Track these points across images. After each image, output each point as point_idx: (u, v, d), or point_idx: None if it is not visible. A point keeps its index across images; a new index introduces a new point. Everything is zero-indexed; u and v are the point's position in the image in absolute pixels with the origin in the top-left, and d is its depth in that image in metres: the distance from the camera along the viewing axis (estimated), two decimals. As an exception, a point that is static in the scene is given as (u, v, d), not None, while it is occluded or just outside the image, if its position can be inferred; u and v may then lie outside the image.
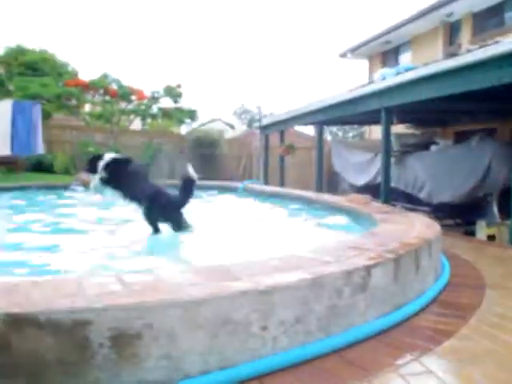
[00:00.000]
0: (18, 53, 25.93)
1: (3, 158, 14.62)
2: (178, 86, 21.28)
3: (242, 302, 2.16)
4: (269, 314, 2.24)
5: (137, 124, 23.13)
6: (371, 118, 11.07)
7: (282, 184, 14.58)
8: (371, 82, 10.36)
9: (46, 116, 17.67)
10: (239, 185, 10.63)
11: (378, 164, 11.41)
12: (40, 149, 15.66)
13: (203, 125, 28.43)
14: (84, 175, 5.70)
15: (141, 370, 1.98)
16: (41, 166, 16.08)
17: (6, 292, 2.04)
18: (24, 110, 15.36)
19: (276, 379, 2.15)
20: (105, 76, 21.76)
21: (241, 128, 34.61)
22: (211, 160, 18.95)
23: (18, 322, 1.82)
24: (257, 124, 17.21)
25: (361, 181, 13.37)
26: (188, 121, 23.77)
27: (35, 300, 1.96)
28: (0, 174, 14.37)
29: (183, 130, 28.46)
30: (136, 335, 1.94)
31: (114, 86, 20.97)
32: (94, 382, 1.92)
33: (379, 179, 10.06)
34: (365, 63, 21.50)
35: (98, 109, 21.65)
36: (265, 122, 15.76)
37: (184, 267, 2.58)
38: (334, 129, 41.62)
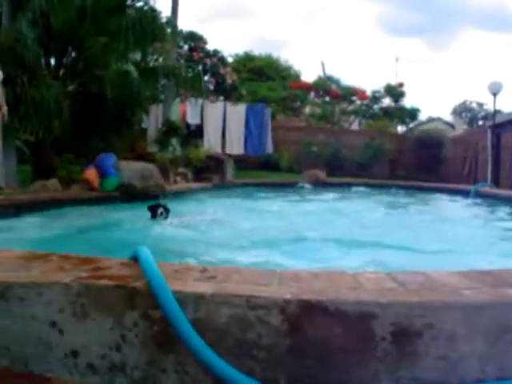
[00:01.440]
0: (246, 60, 28.15)
1: (237, 157, 15.99)
2: (400, 85, 20.89)
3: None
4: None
5: (354, 124, 23.34)
6: None
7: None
8: None
9: (272, 118, 18.85)
10: (470, 188, 10.07)
11: None
12: (269, 148, 16.82)
13: (421, 124, 27.44)
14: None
15: (417, 368, 2.00)
16: (268, 165, 17.21)
17: (292, 280, 2.23)
18: (256, 112, 16.62)
19: None
20: (326, 77, 22.41)
21: (461, 127, 32.56)
22: (435, 161, 18.20)
23: (310, 308, 1.98)
24: (481, 122, 16.09)
25: None
26: (407, 120, 23.27)
27: (319, 289, 2.11)
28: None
29: (401, 129, 27.86)
30: (416, 333, 1.97)
31: (334, 87, 21.46)
32: (374, 373, 2.00)
33: None
34: None
35: (318, 109, 22.35)
36: (498, 119, 14.62)
37: (450, 270, 2.54)
38: None
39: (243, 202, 9.02)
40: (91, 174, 7.33)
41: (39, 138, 7.38)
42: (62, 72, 9.03)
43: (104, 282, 2.06)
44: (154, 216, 5.62)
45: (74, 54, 9.58)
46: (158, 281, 1.95)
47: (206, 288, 2.01)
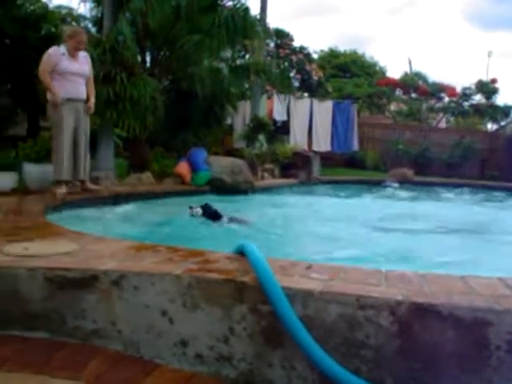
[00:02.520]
0: (331, 56, 27.91)
1: (322, 154, 15.88)
2: (493, 81, 19.88)
3: None
4: None
5: (442, 122, 22.48)
6: None
7: None
8: None
9: (357, 114, 18.55)
10: None
11: None
12: (355, 146, 16.60)
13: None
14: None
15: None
16: (353, 162, 16.98)
17: (400, 281, 2.19)
18: (343, 109, 16.45)
19: None
20: (413, 73, 21.77)
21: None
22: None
23: (422, 311, 1.93)
24: None
25: None
26: (499, 118, 22.11)
27: (431, 292, 2.05)
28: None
29: (491, 127, 26.50)
30: (535, 344, 1.88)
31: (421, 83, 20.79)
32: (488, 381, 1.92)
33: None
34: None
35: (404, 106, 21.72)
36: None
37: None
38: None
39: (332, 199, 8.96)
40: (183, 168, 7.55)
41: (135, 133, 7.69)
42: (156, 69, 9.34)
43: (214, 275, 2.11)
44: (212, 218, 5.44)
45: (167, 52, 9.87)
46: (267, 276, 1.98)
47: (314, 285, 2.01)
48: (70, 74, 5.88)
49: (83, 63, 6.05)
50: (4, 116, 12.09)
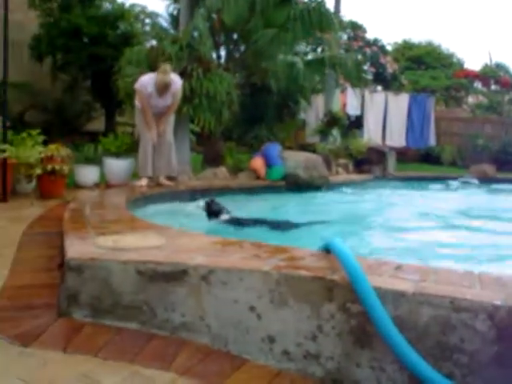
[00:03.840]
0: (405, 48, 27.13)
1: (395, 149, 15.50)
2: None
3: None
4: None
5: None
6: None
7: None
8: None
9: (433, 108, 17.95)
10: None
11: None
12: (431, 141, 16.08)
13: None
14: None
15: None
16: (428, 158, 16.45)
17: (495, 284, 2.09)
18: (419, 103, 15.96)
19: None
20: (494, 65, 20.81)
21: None
22: None
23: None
24: None
25: None
26: None
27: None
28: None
29: None
30: None
31: (504, 75, 19.83)
32: None
33: None
34: None
35: (483, 99, 20.79)
36: None
37: None
38: None
39: (409, 195, 8.72)
40: (258, 162, 7.57)
41: (210, 128, 7.79)
42: (231, 64, 9.41)
43: (303, 272, 2.09)
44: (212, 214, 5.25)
45: (242, 47, 9.94)
46: (358, 275, 1.94)
47: (406, 286, 1.95)
48: (155, 107, 6.28)
49: (168, 98, 6.27)
50: (84, 112, 12.60)
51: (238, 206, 6.18)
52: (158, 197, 5.81)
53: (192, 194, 6.27)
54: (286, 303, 2.10)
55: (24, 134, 5.88)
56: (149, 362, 2.09)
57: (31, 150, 5.58)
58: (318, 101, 13.69)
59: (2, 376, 1.94)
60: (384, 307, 1.88)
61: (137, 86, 6.22)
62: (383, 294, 1.92)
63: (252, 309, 2.16)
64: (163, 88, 6.09)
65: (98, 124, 13.30)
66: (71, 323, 2.41)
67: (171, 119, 6.49)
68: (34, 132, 5.96)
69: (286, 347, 2.11)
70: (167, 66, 6.23)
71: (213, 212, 5.15)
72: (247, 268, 2.18)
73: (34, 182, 5.90)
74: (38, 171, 5.72)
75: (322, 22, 9.23)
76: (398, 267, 2.25)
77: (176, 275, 2.28)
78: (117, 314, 2.39)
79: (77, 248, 2.61)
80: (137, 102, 6.36)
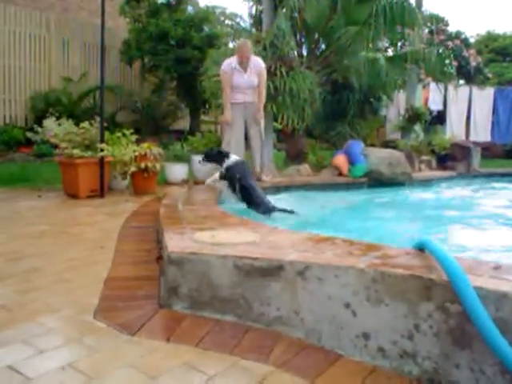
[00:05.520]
0: (488, 39, 25.92)
1: (478, 144, 14.90)
2: None
3: None
4: None
5: None
6: None
7: None
8: None
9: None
10: None
11: None
12: (519, 136, 15.35)
13: None
14: None
15: None
16: (513, 153, 15.69)
17: None
18: (506, 96, 15.27)
19: None
20: None
21: None
22: None
23: None
24: None
25: None
26: None
27: None
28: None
29: None
30: None
31: None
32: None
33: None
34: None
35: None
36: None
37: None
38: None
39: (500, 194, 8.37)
40: (341, 159, 7.56)
41: (293, 125, 7.87)
42: (312, 62, 9.43)
43: (399, 270, 2.10)
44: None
45: (323, 45, 9.93)
46: (458, 275, 1.92)
47: (509, 287, 1.91)
48: (241, 88, 6.36)
49: (252, 74, 6.35)
50: (170, 112, 13.06)
51: (320, 202, 6.23)
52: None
53: (275, 191, 6.36)
54: (382, 301, 2.11)
55: (118, 134, 6.22)
56: (247, 354, 2.17)
57: (126, 148, 5.89)
58: (400, 96, 13.44)
59: (114, 362, 2.09)
60: (485, 308, 1.86)
61: (221, 68, 6.44)
62: (484, 295, 1.89)
63: (347, 305, 2.19)
64: (245, 52, 6.23)
65: (183, 123, 13.78)
66: (172, 314, 2.54)
67: (262, 122, 6.52)
68: (128, 132, 6.30)
69: (381, 344, 2.13)
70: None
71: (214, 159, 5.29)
72: (343, 265, 2.21)
73: (128, 179, 6.21)
74: (133, 169, 6.05)
75: (404, 17, 9.05)
76: (497, 267, 2.20)
77: (272, 271, 2.35)
78: (214, 306, 2.50)
79: (176, 242, 2.74)
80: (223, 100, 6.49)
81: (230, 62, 6.40)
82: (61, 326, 2.44)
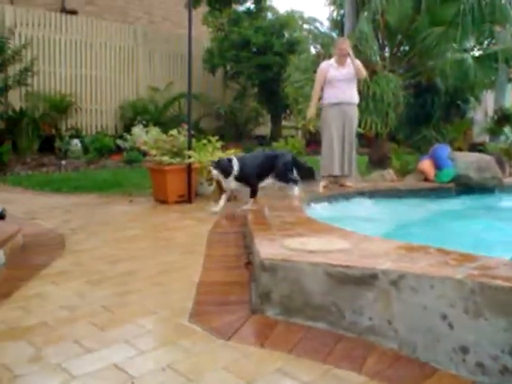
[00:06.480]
0: None
1: None
2: None
3: None
4: None
5: None
6: None
7: None
8: None
9: None
10: None
11: None
12: None
13: None
14: None
15: None
16: None
17: None
18: None
19: None
20: None
21: None
22: None
23: None
24: None
25: None
26: None
27: None
28: None
29: None
30: None
31: None
32: None
33: None
34: None
35: None
36: None
37: None
38: None
39: None
40: (426, 164, 7.33)
41: (377, 130, 7.75)
42: (395, 65, 9.26)
43: (499, 282, 2.03)
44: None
45: (407, 47, 9.72)
46: None
47: None
48: (336, 81, 6.26)
49: (350, 67, 6.30)
50: (252, 117, 13.24)
51: (407, 208, 6.09)
52: (326, 198, 5.92)
53: (359, 196, 6.30)
54: (481, 313, 2.05)
55: (204, 141, 6.40)
56: (340, 363, 2.18)
57: (212, 155, 6.05)
58: (487, 97, 12.88)
59: (210, 365, 2.16)
60: None
61: (318, 69, 6.48)
62: None
63: (443, 317, 2.14)
64: (344, 49, 6.19)
65: (264, 128, 13.94)
66: (264, 320, 2.59)
67: (355, 119, 6.49)
68: (213, 138, 6.46)
69: (480, 359, 2.06)
70: None
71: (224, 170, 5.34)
72: (439, 275, 2.17)
73: (213, 185, 6.37)
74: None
75: (495, 14, 8.69)
76: None
77: (365, 279, 2.34)
78: (306, 313, 2.52)
79: (268, 249, 2.79)
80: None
81: (328, 62, 6.48)
82: (158, 328, 2.56)
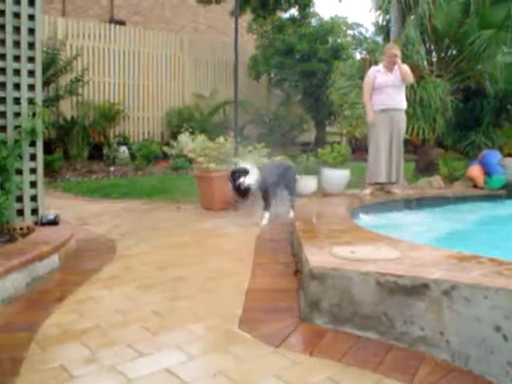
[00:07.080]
0: None
1: None
2: None
3: None
4: None
5: None
6: None
7: None
8: None
9: None
10: None
11: None
12: None
13: None
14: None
15: None
16: None
17: None
18: None
19: None
20: None
21: None
22: None
23: None
24: None
25: None
26: None
27: None
28: None
29: None
30: None
31: None
32: None
33: None
34: None
35: None
36: None
37: None
38: None
39: None
40: (476, 171, 7.18)
41: (424, 136, 7.63)
42: (443, 70, 9.09)
43: (557, 294, 1.98)
44: None
45: (454, 51, 9.53)
46: None
47: None
48: (385, 87, 6.26)
49: (397, 73, 6.27)
50: (296, 124, 13.25)
51: (456, 216, 5.97)
52: (374, 206, 5.87)
53: (406, 204, 6.22)
54: (538, 326, 2.01)
55: (250, 148, 6.45)
56: (391, 373, 2.16)
57: (257, 161, 6.09)
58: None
59: (261, 372, 2.18)
60: None
61: (365, 76, 6.50)
62: None
63: (498, 329, 2.10)
64: (393, 55, 6.17)
65: (308, 135, 13.92)
66: (313, 328, 2.60)
67: (403, 123, 6.45)
68: (259, 145, 6.51)
69: (536, 372, 2.02)
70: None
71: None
72: (493, 286, 2.13)
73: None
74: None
75: (546, 16, 8.43)
76: None
77: (416, 289, 2.32)
78: (356, 322, 2.52)
79: (317, 257, 2.80)
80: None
81: (375, 67, 6.50)
82: (208, 334, 2.60)
